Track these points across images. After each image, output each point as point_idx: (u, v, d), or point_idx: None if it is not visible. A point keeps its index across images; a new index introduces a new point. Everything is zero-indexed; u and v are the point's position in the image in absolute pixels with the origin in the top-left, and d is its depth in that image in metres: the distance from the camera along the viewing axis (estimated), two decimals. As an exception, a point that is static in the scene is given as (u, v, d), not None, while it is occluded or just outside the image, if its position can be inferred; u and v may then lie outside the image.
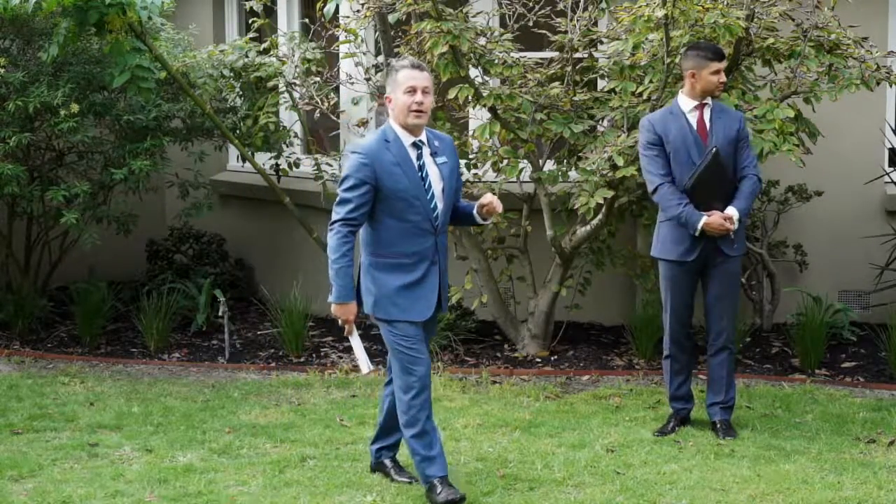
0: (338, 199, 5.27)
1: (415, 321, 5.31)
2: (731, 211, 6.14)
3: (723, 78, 6.22)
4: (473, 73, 7.46)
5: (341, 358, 7.91)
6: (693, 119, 6.22)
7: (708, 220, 6.08)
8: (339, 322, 5.36)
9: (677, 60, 6.73)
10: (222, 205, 9.60)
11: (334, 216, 5.26)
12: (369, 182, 5.22)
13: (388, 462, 5.68)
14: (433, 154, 5.34)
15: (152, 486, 5.50)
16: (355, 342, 5.42)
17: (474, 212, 5.46)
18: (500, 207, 5.39)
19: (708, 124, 6.21)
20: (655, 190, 6.21)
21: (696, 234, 6.10)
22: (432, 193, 5.31)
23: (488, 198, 5.38)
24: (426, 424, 5.32)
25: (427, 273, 5.33)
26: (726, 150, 6.16)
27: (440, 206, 5.33)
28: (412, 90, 5.25)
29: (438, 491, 5.25)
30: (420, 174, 5.29)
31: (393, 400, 5.49)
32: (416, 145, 5.32)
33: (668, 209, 6.18)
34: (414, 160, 5.29)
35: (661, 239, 6.32)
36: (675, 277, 6.27)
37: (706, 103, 6.24)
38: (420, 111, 5.25)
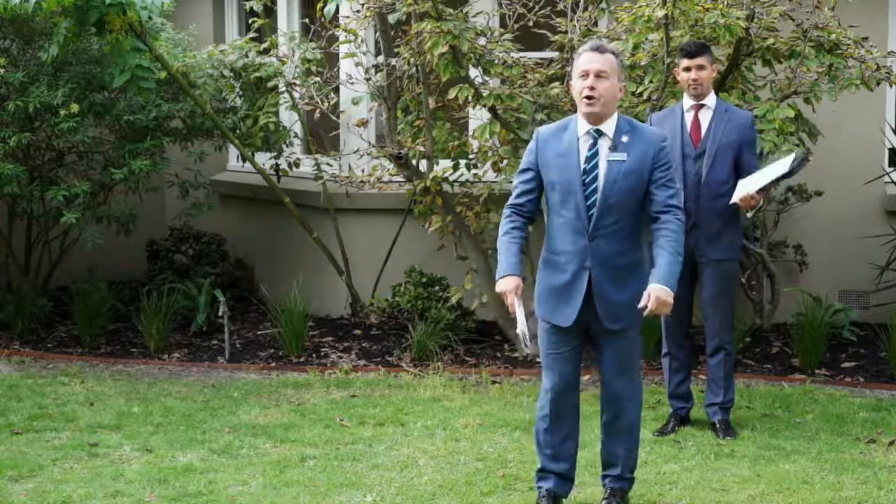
0: None
1: (559, 325, 4.96)
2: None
3: (695, 75, 6.17)
4: (473, 73, 7.47)
5: (341, 358, 7.91)
6: (689, 119, 6.23)
7: None
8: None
9: (677, 61, 6.73)
10: (222, 205, 9.60)
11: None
12: (532, 168, 4.94)
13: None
14: (613, 148, 4.84)
15: (152, 486, 5.50)
16: (519, 317, 4.86)
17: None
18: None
19: (704, 125, 6.21)
20: None
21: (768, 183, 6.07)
22: (594, 189, 4.83)
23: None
24: (547, 452, 5.13)
25: (575, 278, 4.89)
26: (723, 153, 6.15)
27: (599, 206, 4.83)
28: (585, 74, 4.81)
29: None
30: (585, 166, 4.84)
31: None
32: (592, 134, 4.87)
33: None
34: (583, 151, 4.86)
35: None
36: None
37: (704, 104, 6.24)
38: (591, 97, 4.80)
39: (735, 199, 6.03)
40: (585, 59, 4.84)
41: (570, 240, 4.88)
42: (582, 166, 4.85)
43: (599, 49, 4.86)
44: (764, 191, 6.02)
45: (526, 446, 6.06)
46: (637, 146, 4.85)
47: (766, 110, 6.82)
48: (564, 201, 4.85)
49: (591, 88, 4.79)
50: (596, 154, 4.86)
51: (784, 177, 6.02)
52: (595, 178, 4.84)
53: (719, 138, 6.17)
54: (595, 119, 4.85)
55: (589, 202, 4.83)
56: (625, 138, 4.86)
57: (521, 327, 4.85)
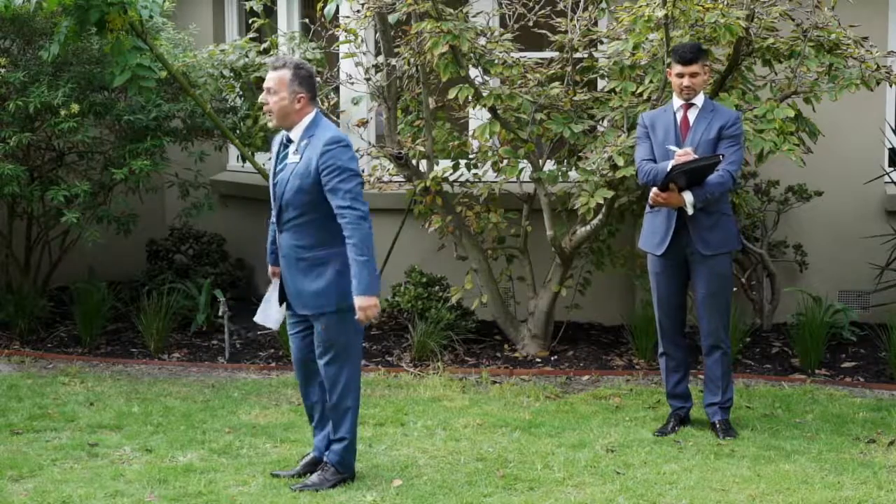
0: None
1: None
2: (687, 196, 6.09)
3: (687, 82, 6.15)
4: (473, 73, 7.47)
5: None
6: (679, 117, 6.25)
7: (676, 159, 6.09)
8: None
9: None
10: (222, 205, 9.60)
11: None
12: None
13: None
14: (294, 152, 5.34)
15: (152, 486, 5.50)
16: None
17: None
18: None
19: (691, 123, 6.22)
20: (638, 170, 6.34)
21: (670, 169, 6.05)
22: (279, 187, 5.37)
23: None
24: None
25: (282, 267, 5.51)
26: (703, 149, 6.14)
27: (280, 202, 5.37)
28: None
29: None
30: (274, 168, 5.44)
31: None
32: (284, 141, 5.43)
33: (642, 175, 6.27)
34: (278, 156, 5.44)
35: (643, 230, 6.44)
36: (656, 270, 6.35)
37: (693, 104, 6.23)
38: (267, 111, 5.37)
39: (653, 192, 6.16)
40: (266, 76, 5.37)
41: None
42: (273, 168, 5.44)
43: (274, 65, 5.36)
44: (672, 180, 6.01)
45: (526, 446, 6.07)
46: (308, 151, 5.29)
47: (766, 110, 6.82)
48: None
49: (265, 104, 5.36)
50: (284, 157, 5.39)
51: (693, 166, 5.99)
52: (280, 179, 5.36)
53: (700, 134, 6.17)
54: (282, 128, 5.39)
55: (277, 199, 5.37)
56: (304, 143, 5.32)
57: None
